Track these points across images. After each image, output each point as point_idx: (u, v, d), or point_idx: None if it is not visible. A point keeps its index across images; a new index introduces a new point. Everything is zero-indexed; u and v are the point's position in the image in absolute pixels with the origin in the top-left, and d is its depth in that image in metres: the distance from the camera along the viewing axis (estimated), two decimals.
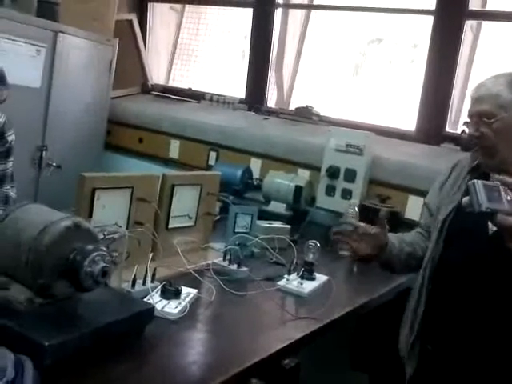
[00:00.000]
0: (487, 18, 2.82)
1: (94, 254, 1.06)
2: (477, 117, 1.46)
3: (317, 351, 2.16)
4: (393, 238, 1.68)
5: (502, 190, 1.21)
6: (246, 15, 3.54)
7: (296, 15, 3.46)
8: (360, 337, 2.31)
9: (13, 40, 2.66)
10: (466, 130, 1.52)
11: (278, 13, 3.42)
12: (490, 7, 2.81)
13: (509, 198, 1.19)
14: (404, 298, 2.02)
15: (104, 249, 1.09)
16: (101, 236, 1.27)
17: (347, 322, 1.74)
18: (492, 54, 2.81)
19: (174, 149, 3.39)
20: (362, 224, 1.63)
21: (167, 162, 3.37)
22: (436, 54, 2.80)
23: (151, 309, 1.22)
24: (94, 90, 3.20)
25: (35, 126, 2.88)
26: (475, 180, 1.20)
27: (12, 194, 1.84)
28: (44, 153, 2.90)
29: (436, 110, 2.80)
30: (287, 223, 2.35)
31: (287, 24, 3.48)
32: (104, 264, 1.06)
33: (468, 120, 1.50)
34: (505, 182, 1.23)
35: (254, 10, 3.45)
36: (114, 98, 3.53)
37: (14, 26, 2.68)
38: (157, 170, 3.32)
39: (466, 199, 1.22)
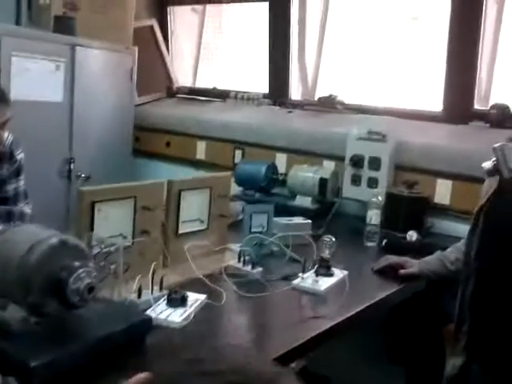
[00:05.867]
0: None
1: (80, 270, 1.05)
2: None
3: (354, 343, 2.11)
4: (435, 262, 1.76)
5: None
6: (264, 9, 3.49)
7: (315, 2, 3.37)
8: (394, 329, 2.24)
9: (32, 58, 2.72)
10: None
11: (295, 2, 3.35)
12: None
13: None
14: (433, 288, 1.94)
15: (91, 265, 1.09)
16: (97, 250, 1.28)
17: (379, 314, 1.69)
18: None
19: (201, 150, 3.39)
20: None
21: (195, 163, 3.37)
22: (458, 28, 2.65)
23: (148, 319, 1.21)
24: (116, 99, 3.23)
25: (61, 139, 2.93)
26: (505, 143, 1.10)
27: (27, 210, 1.88)
28: (72, 165, 2.95)
29: (462, 87, 2.66)
30: (314, 217, 2.32)
31: (306, 13, 3.40)
32: (89, 280, 1.05)
33: None
34: None
35: (269, 3, 3.39)
36: (139, 104, 3.57)
37: (32, 44, 2.73)
38: (186, 172, 3.33)
39: (487, 164, 1.12)
